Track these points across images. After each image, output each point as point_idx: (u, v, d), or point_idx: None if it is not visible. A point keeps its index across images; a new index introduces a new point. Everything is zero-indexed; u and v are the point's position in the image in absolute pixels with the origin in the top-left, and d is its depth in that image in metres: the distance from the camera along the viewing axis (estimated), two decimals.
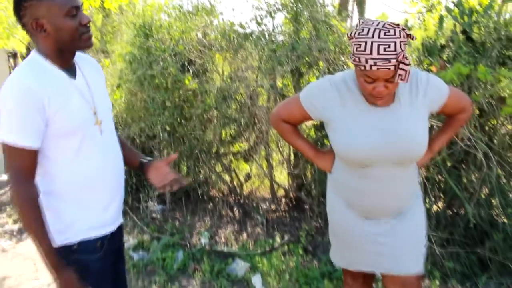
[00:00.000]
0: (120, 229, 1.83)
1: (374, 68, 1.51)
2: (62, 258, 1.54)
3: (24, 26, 1.54)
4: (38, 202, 1.51)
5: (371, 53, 1.50)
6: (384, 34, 1.50)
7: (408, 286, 1.84)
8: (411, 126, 1.66)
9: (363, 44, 1.52)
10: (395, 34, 1.50)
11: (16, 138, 1.46)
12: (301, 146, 1.99)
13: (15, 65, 6.22)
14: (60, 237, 1.56)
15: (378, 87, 1.56)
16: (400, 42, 1.50)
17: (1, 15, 7.51)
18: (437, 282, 2.88)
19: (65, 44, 1.55)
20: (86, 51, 1.82)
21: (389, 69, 1.51)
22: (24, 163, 1.49)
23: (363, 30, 1.54)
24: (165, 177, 1.81)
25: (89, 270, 1.63)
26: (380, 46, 1.49)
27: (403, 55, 1.50)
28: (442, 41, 3.19)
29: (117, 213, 1.77)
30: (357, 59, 1.55)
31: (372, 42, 1.50)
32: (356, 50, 1.54)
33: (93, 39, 1.65)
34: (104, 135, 1.67)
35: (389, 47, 1.49)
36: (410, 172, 1.78)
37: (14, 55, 6.12)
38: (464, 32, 3.04)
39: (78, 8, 1.53)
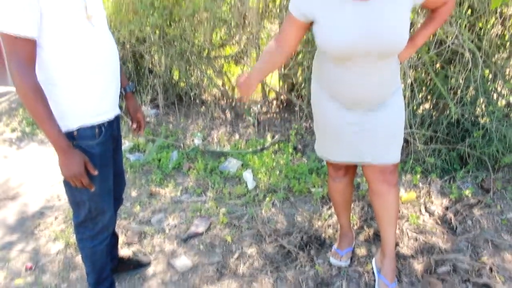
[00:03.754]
0: (117, 119, 1.95)
1: None
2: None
3: None
4: (42, 88, 1.59)
5: None
6: None
7: (386, 173, 1.97)
8: (391, 19, 1.67)
9: None
10: None
11: (16, 28, 1.51)
12: (256, 67, 1.99)
13: None
14: (60, 124, 1.66)
15: None
16: None
17: None
18: (418, 177, 3.04)
19: None
20: None
21: None
22: (25, 52, 1.55)
23: None
24: (135, 116, 2.16)
25: (90, 154, 1.76)
26: None
27: None
28: None
29: (114, 102, 1.87)
30: None
31: None
32: None
33: None
34: (97, 28, 1.72)
35: None
36: (392, 66, 1.83)
37: None
38: None
39: None
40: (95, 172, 1.76)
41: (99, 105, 1.78)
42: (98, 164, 1.79)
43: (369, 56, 1.71)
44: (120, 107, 4.49)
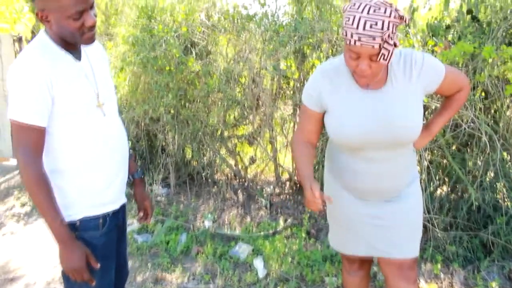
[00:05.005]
0: (123, 208, 1.87)
1: (358, 43, 1.48)
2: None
3: (34, 9, 1.58)
4: (47, 178, 1.54)
5: (357, 28, 1.46)
6: (374, 11, 1.45)
7: (404, 269, 1.83)
8: (403, 109, 1.63)
9: (351, 18, 1.48)
10: (385, 13, 1.45)
11: (25, 116, 1.49)
12: (301, 163, 1.81)
13: (21, 49, 6.23)
14: (63, 213, 1.58)
15: (361, 64, 1.52)
16: (389, 21, 1.45)
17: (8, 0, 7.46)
18: (439, 266, 2.86)
19: (66, 39, 1.58)
20: None
21: (372, 46, 1.47)
22: (33, 140, 1.52)
23: (355, 4, 1.50)
24: (142, 204, 2.04)
25: (93, 245, 1.67)
26: (367, 22, 1.45)
27: (388, 35, 1.46)
28: (448, 21, 3.12)
29: (120, 193, 1.80)
30: (344, 33, 1.52)
31: (360, 17, 1.46)
32: (345, 24, 1.51)
33: (96, 30, 1.65)
34: (107, 117, 1.70)
35: (376, 24, 1.45)
36: (406, 155, 1.76)
37: (19, 39, 6.12)
38: (469, 11, 2.96)
39: (84, 11, 1.52)
40: (97, 266, 1.66)
41: (104, 195, 1.71)
42: (100, 256, 1.69)
43: (382, 145, 1.65)
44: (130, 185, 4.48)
